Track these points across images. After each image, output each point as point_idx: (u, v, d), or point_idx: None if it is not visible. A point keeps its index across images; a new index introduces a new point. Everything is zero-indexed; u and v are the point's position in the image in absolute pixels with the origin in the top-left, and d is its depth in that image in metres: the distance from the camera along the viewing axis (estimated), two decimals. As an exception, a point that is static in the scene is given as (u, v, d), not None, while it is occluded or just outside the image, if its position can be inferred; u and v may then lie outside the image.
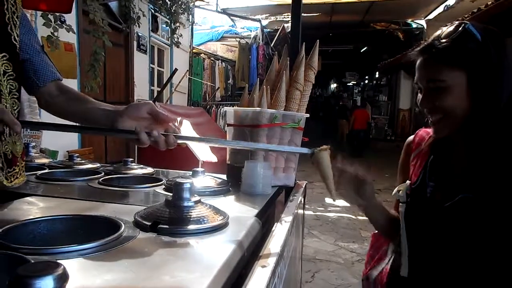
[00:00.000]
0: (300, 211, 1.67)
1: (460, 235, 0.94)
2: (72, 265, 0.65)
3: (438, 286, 0.99)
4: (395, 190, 1.11)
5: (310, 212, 5.47)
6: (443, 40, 0.93)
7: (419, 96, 0.99)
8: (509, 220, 0.88)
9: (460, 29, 0.92)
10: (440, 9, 9.90)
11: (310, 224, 4.96)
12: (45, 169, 1.59)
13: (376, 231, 1.29)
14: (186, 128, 6.31)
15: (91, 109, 1.07)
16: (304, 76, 1.56)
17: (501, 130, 0.92)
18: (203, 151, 6.09)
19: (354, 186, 1.08)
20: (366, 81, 22.02)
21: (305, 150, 1.02)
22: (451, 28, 0.94)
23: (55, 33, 3.37)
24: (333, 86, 26.44)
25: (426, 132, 1.13)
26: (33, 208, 1.03)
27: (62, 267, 0.41)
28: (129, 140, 0.97)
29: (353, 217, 5.23)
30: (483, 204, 0.91)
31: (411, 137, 1.18)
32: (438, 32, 0.97)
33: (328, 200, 6.21)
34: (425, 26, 11.33)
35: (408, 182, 1.10)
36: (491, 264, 0.92)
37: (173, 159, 5.42)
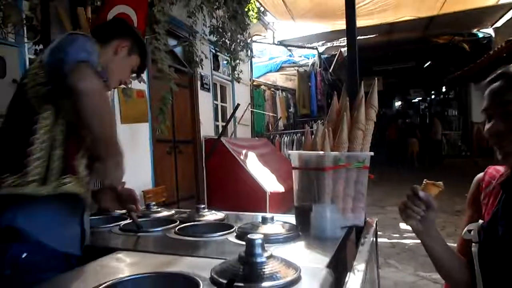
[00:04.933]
0: (374, 247, 1.63)
1: None
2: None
3: None
4: (464, 230, 1.08)
5: (385, 240, 5.25)
6: None
7: (488, 125, 0.98)
8: None
9: None
10: (509, 15, 9.34)
11: (385, 253, 4.76)
12: (126, 218, 1.72)
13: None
14: (252, 160, 6.44)
15: None
16: (366, 115, 1.56)
17: None
18: (269, 182, 6.14)
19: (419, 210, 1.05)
20: (433, 96, 21.10)
21: None
22: None
23: (129, 85, 3.65)
24: (397, 104, 25.58)
25: (496, 170, 1.10)
26: (121, 265, 1.13)
27: None
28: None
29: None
30: None
31: (481, 175, 1.15)
32: None
33: (403, 225, 5.94)
34: (493, 34, 10.74)
35: (480, 221, 1.06)
36: None
37: (241, 192, 5.53)
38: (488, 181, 1.10)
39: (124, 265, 1.13)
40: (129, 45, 1.52)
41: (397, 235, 5.50)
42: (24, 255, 1.16)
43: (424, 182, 1.07)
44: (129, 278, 0.95)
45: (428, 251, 1.13)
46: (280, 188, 5.87)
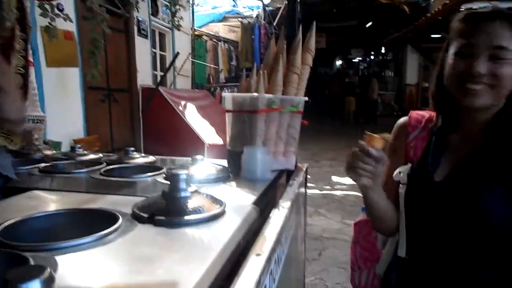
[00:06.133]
0: (302, 193, 1.67)
1: (456, 211, 0.95)
2: (68, 260, 0.67)
3: (438, 266, 1.00)
4: (396, 171, 1.10)
5: (317, 191, 5.50)
6: None
7: (477, 62, 0.90)
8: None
9: None
10: (447, -20, 9.64)
11: (317, 203, 5.00)
12: (48, 161, 1.61)
13: (358, 220, 1.27)
14: (191, 111, 6.33)
15: None
16: (302, 59, 1.54)
17: None
18: (208, 134, 6.10)
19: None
20: (372, 57, 21.75)
21: None
22: None
23: (53, 23, 3.34)
24: (338, 63, 26.13)
25: (418, 114, 1.12)
26: (36, 203, 1.05)
27: (48, 271, 0.42)
28: None
29: (360, 194, 5.25)
30: (479, 181, 0.92)
31: (405, 119, 1.14)
32: None
33: (335, 178, 6.23)
34: (431, -2, 11.09)
35: (409, 164, 1.10)
36: (487, 239, 0.92)
37: (179, 143, 5.45)
38: (415, 125, 1.11)
39: (39, 202, 1.05)
40: None
41: (329, 187, 5.77)
42: None
43: (366, 134, 0.94)
44: (41, 214, 0.89)
45: (371, 206, 1.05)
46: (219, 141, 5.84)
